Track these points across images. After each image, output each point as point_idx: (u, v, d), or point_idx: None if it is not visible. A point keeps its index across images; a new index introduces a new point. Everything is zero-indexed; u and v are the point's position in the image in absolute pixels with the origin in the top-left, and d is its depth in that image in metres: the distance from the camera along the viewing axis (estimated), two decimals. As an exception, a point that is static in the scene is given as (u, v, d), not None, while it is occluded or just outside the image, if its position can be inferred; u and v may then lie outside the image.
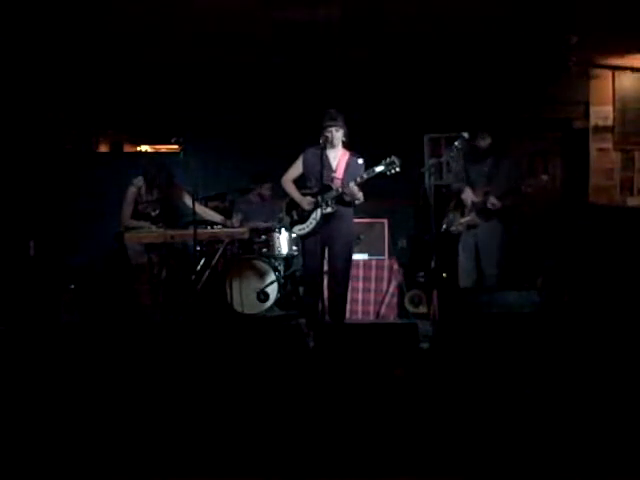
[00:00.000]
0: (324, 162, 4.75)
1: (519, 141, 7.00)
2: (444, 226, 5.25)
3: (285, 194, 5.14)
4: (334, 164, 4.85)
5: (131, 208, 5.48)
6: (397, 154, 4.75)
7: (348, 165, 4.85)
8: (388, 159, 4.68)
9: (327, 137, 4.76)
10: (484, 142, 5.09)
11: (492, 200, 4.94)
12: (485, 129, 5.12)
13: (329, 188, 4.77)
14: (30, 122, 6.83)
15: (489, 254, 5.08)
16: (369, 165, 4.80)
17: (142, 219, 5.52)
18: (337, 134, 4.81)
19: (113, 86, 6.90)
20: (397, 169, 4.67)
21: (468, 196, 5.15)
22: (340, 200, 4.81)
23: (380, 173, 4.69)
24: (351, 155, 4.89)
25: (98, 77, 6.63)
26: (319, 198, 4.78)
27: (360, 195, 4.75)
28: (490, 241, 5.09)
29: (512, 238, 5.22)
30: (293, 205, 4.99)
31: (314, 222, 4.84)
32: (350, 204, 4.86)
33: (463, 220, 5.16)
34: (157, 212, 5.56)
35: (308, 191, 4.94)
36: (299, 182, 5.07)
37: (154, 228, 5.49)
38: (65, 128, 7.41)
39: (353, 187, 4.69)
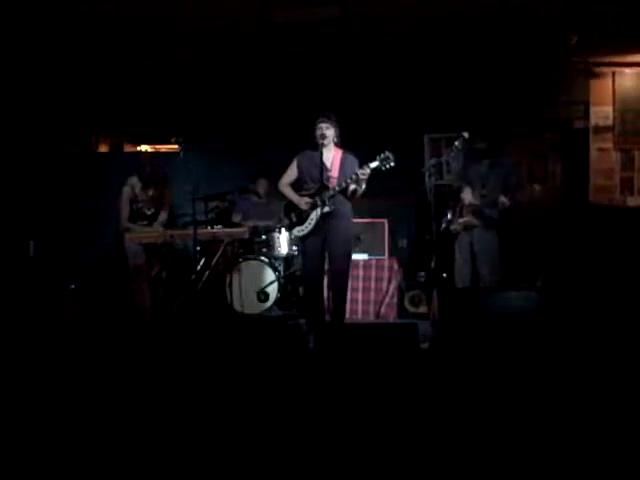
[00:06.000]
0: (319, 162, 4.78)
1: (519, 141, 7.01)
2: (443, 225, 5.25)
3: (283, 196, 5.16)
4: (328, 163, 4.87)
5: (128, 208, 5.49)
6: (397, 154, 4.76)
7: (342, 163, 4.87)
8: (382, 154, 4.72)
9: (317, 134, 4.80)
10: (480, 145, 5.08)
11: (502, 199, 4.91)
12: (482, 132, 5.11)
13: (326, 187, 4.79)
14: (30, 122, 6.83)
15: (484, 256, 5.08)
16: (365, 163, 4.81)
17: (137, 219, 5.53)
18: (327, 132, 4.82)
19: (113, 86, 6.91)
20: (392, 164, 4.70)
21: (467, 196, 5.14)
22: (340, 194, 4.82)
23: (375, 169, 4.72)
24: (344, 153, 4.91)
25: (98, 77, 6.63)
26: (317, 198, 4.80)
27: (363, 184, 4.77)
28: (486, 243, 5.08)
29: (509, 241, 5.21)
30: (291, 207, 5.00)
31: (313, 222, 4.86)
32: (351, 198, 4.87)
33: (461, 220, 5.16)
34: (152, 211, 5.56)
35: (305, 192, 4.95)
36: (295, 185, 5.07)
37: (154, 227, 5.51)
38: (65, 128, 7.41)
39: (367, 172, 4.70)
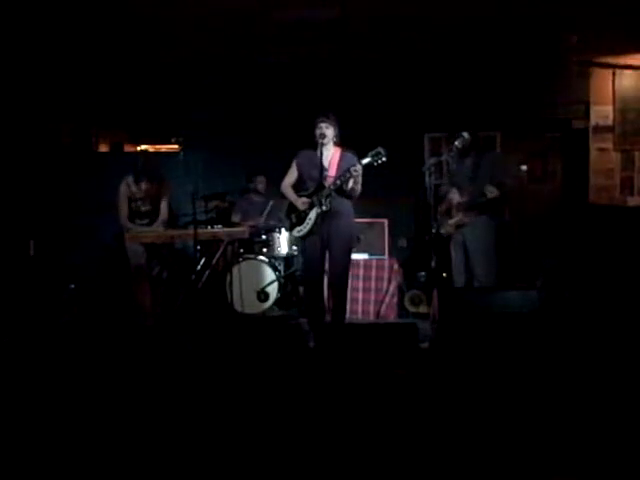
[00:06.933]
0: (318, 162, 4.79)
1: (519, 141, 7.02)
2: (433, 230, 5.22)
3: (283, 196, 5.17)
4: (326, 163, 4.88)
5: (126, 207, 5.49)
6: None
7: (341, 161, 4.87)
8: (374, 150, 4.73)
9: (316, 134, 4.81)
10: (460, 143, 5.05)
11: (489, 188, 4.90)
12: (462, 129, 5.09)
13: (322, 187, 4.80)
14: (30, 122, 6.83)
15: (478, 255, 5.06)
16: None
17: (136, 218, 5.52)
18: (327, 131, 4.83)
19: (113, 86, 6.90)
20: (383, 159, 4.71)
21: (454, 197, 5.14)
22: (339, 193, 4.82)
23: (368, 165, 4.73)
24: (343, 151, 4.91)
25: (98, 76, 6.63)
26: (314, 198, 4.81)
27: (359, 180, 4.78)
28: (477, 240, 5.06)
29: (508, 240, 5.20)
30: (292, 208, 5.01)
31: (311, 222, 4.87)
32: (349, 197, 4.87)
33: (451, 222, 5.15)
34: (147, 207, 5.54)
35: (304, 192, 4.96)
36: (298, 186, 5.07)
37: (154, 227, 5.50)
38: (66, 128, 7.41)
39: (359, 169, 4.70)
